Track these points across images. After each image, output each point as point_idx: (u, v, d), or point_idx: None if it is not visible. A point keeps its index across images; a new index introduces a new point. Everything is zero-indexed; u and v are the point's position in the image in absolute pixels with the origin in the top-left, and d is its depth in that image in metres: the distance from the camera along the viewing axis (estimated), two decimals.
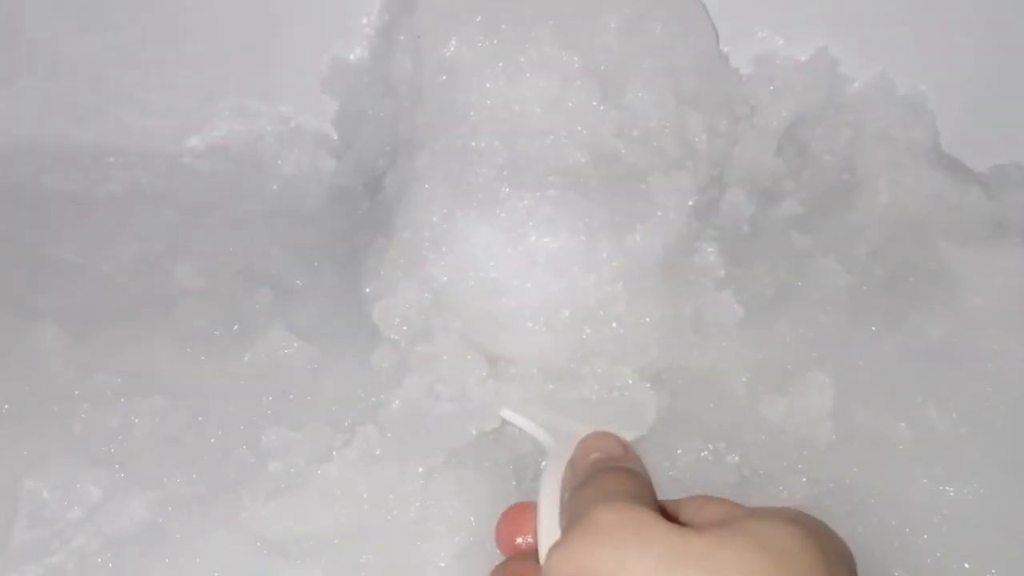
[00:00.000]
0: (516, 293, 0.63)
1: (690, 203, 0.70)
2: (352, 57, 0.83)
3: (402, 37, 0.77)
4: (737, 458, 0.62)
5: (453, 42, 0.71)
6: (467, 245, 0.64)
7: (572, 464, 0.49)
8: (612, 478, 0.46)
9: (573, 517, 0.42)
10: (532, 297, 0.63)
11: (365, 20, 0.83)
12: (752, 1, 0.82)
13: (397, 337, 0.64)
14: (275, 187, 0.82)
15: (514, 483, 0.59)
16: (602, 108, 0.71)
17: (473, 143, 0.68)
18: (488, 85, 0.70)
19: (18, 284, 0.72)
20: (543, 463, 0.54)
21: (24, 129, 0.84)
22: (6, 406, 0.63)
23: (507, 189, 0.64)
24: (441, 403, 0.59)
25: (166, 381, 0.64)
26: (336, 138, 0.85)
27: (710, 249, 0.71)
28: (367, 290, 0.67)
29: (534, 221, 0.63)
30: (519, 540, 0.49)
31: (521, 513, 0.49)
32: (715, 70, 0.78)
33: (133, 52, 0.84)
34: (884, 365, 0.69)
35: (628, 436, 0.54)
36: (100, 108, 0.85)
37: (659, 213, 0.68)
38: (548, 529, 0.46)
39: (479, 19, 0.71)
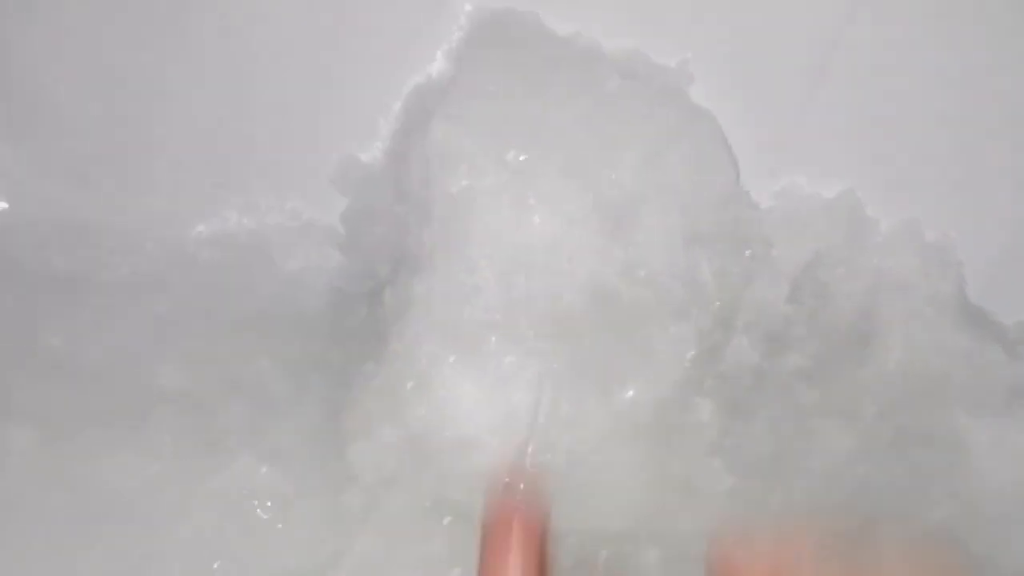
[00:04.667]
0: (493, 453, 0.60)
1: (690, 355, 0.68)
2: (364, 157, 0.81)
3: (417, 147, 0.75)
4: None
5: (463, 169, 0.68)
6: (449, 396, 0.61)
7: None
8: None
9: None
10: (510, 458, 0.60)
11: (382, 121, 0.80)
12: (780, 137, 0.79)
13: (370, 481, 0.62)
14: (277, 284, 0.80)
15: None
16: (608, 246, 0.68)
17: (470, 279, 0.66)
18: (492, 219, 0.67)
19: (2, 369, 0.70)
20: None
21: (26, 197, 0.82)
22: None
23: (495, 340, 0.62)
24: (397, 570, 0.57)
25: (125, 503, 0.63)
26: (344, 234, 0.82)
27: (705, 407, 0.68)
28: (346, 422, 0.65)
29: (518, 379, 0.60)
30: None
31: None
32: (732, 209, 0.75)
33: (146, 128, 0.82)
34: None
35: None
36: (107, 182, 0.83)
37: (655, 367, 0.66)
38: None
39: (492, 147, 0.69)
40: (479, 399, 0.60)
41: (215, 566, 0.60)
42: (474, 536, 0.53)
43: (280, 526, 0.62)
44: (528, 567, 0.48)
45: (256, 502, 0.63)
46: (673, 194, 0.72)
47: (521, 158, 0.69)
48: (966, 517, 0.68)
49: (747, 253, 0.76)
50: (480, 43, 0.76)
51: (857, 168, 0.80)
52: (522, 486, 0.56)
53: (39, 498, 0.63)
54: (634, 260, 0.69)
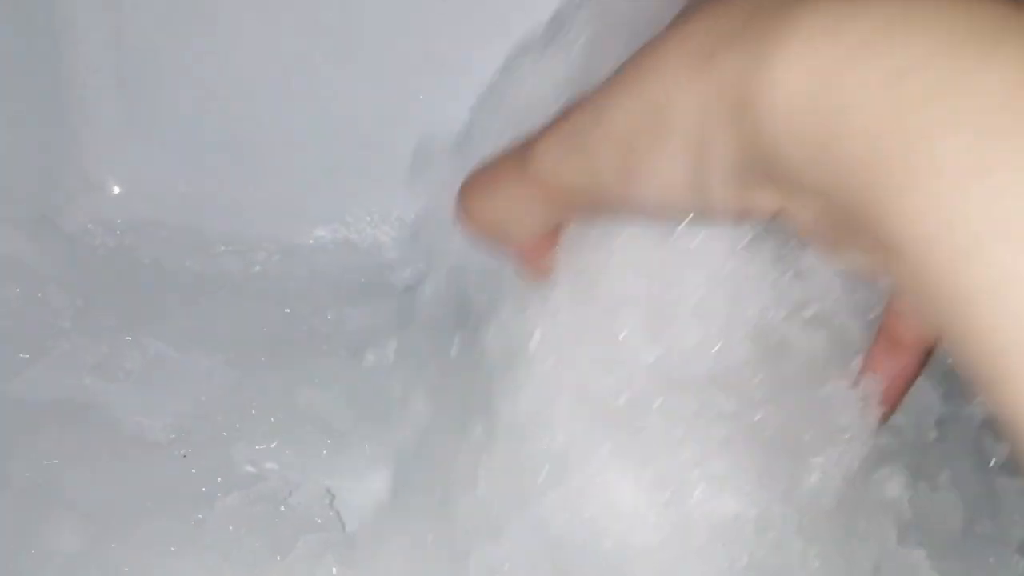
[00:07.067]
0: (663, 569, 0.47)
1: (878, 416, 0.54)
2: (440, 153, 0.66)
3: None
4: None
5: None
6: (601, 496, 0.47)
7: None
8: None
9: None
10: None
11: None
12: None
13: None
14: (379, 303, 0.72)
15: None
16: (778, 280, 0.54)
17: (611, 328, 0.51)
18: (632, 247, 0.53)
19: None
20: None
21: (142, 186, 0.78)
22: None
23: (661, 424, 0.48)
24: None
25: None
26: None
27: (895, 480, 0.55)
28: (461, 514, 0.51)
29: (700, 478, 0.47)
30: None
31: None
32: None
33: (272, 122, 0.77)
34: None
35: None
36: (227, 176, 0.78)
37: (841, 437, 0.52)
38: None
39: None
40: (647, 503, 0.47)
41: None
42: None
43: None
44: None
45: None
46: None
47: None
48: None
49: None
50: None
51: None
52: None
53: None
54: (801, 295, 0.55)
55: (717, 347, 0.52)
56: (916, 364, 0.51)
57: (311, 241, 0.75)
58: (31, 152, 0.75)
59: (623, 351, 0.51)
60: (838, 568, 0.52)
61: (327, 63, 0.74)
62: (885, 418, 0.53)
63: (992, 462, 0.61)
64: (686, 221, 0.51)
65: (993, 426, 0.61)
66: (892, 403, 0.53)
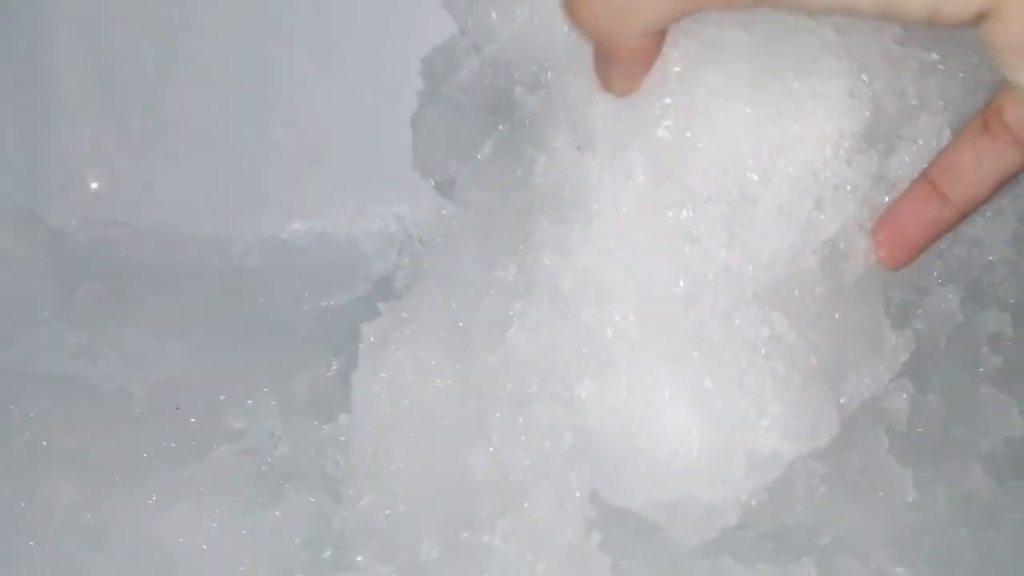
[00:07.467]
0: (685, 486, 0.48)
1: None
2: None
3: None
4: None
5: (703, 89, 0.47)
6: (647, 402, 0.47)
7: None
8: None
9: None
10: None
11: None
12: None
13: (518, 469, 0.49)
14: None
15: None
16: (872, 189, 0.51)
17: (689, 220, 0.48)
18: (731, 135, 0.48)
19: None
20: None
21: (122, 180, 0.81)
22: None
23: (723, 346, 0.47)
24: None
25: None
26: None
27: (901, 391, 0.56)
28: (484, 368, 0.50)
29: (755, 417, 0.46)
30: None
31: None
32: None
33: (251, 121, 0.79)
34: None
35: None
36: (205, 171, 0.80)
37: (878, 360, 0.53)
38: None
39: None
40: (692, 420, 0.46)
41: None
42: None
43: None
44: None
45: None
46: (940, 110, 0.53)
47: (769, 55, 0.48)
48: None
49: None
50: None
51: None
52: None
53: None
54: (880, 204, 0.52)
55: (789, 258, 0.49)
56: (955, 219, 0.49)
57: (287, 235, 0.78)
58: (13, 149, 0.77)
59: (696, 251, 0.48)
60: (832, 475, 0.54)
61: (303, 60, 0.77)
62: (904, 263, 0.52)
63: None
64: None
65: (996, 339, 0.63)
66: (917, 250, 0.51)
